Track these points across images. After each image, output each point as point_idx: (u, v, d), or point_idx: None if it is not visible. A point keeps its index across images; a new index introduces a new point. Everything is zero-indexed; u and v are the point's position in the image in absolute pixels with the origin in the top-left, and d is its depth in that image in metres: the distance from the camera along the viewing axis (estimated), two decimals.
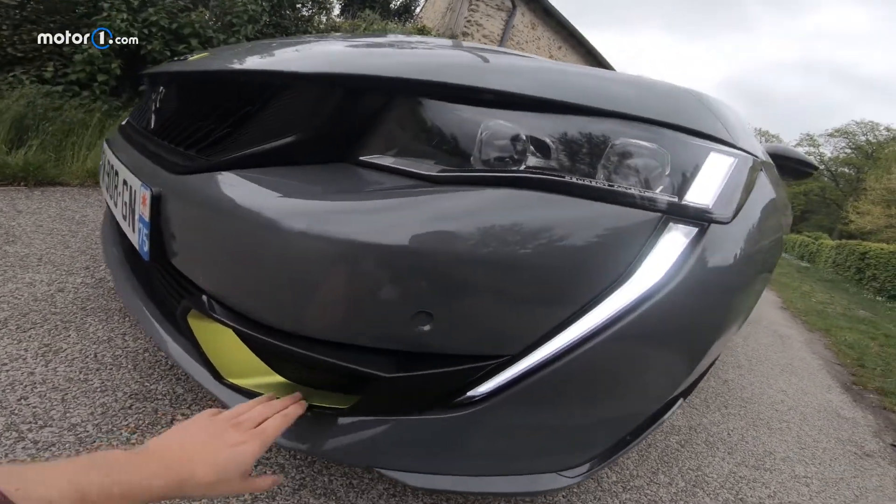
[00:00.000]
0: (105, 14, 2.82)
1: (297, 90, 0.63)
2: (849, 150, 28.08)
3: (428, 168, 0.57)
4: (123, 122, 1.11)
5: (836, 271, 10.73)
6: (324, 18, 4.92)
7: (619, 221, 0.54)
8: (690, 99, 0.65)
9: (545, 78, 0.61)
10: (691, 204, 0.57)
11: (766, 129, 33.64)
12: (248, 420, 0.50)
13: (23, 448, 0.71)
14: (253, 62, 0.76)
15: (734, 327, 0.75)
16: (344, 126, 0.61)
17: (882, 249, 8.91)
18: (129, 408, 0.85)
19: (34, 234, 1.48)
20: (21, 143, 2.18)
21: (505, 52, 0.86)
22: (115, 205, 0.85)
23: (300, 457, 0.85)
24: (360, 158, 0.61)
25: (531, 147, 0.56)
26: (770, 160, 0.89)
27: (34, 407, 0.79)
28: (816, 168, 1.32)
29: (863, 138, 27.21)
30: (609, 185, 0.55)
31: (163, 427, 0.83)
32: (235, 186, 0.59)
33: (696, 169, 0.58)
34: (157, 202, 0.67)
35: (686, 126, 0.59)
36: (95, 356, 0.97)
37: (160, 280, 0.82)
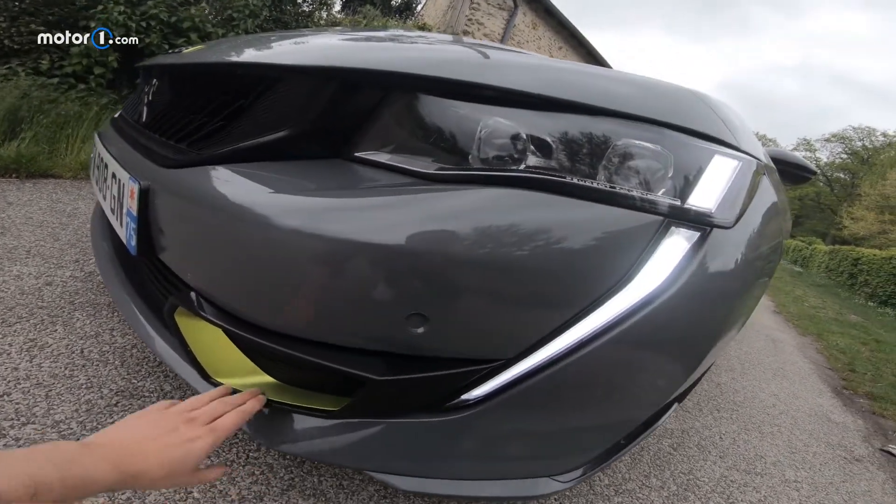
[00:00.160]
0: (102, 6, 2.77)
1: (293, 84, 0.62)
2: (845, 156, 28.30)
3: (425, 166, 0.56)
4: (116, 115, 1.09)
5: (828, 276, 10.81)
6: (324, 14, 4.89)
7: (620, 224, 0.53)
8: (694, 100, 0.64)
9: (547, 76, 0.60)
10: (694, 208, 0.56)
11: (764, 133, 33.82)
12: (202, 415, 0.49)
13: (4, 445, 0.69)
14: (248, 55, 0.74)
15: (732, 333, 0.74)
16: (339, 121, 0.60)
17: (874, 255, 8.97)
18: (115, 405, 0.83)
19: (24, 226, 1.45)
20: (14, 134, 2.14)
21: (506, 49, 0.85)
22: (104, 198, 0.83)
23: (289, 457, 0.83)
24: (356, 155, 0.60)
25: (531, 146, 0.55)
26: (772, 163, 0.88)
27: (17, 403, 0.77)
28: (815, 173, 1.31)
29: (859, 143, 27.45)
30: (610, 187, 0.54)
31: None
32: (226, 181, 0.57)
33: (700, 172, 0.57)
34: (145, 196, 0.65)
35: (689, 127, 0.58)
36: (82, 352, 0.95)
37: (149, 276, 0.80)
